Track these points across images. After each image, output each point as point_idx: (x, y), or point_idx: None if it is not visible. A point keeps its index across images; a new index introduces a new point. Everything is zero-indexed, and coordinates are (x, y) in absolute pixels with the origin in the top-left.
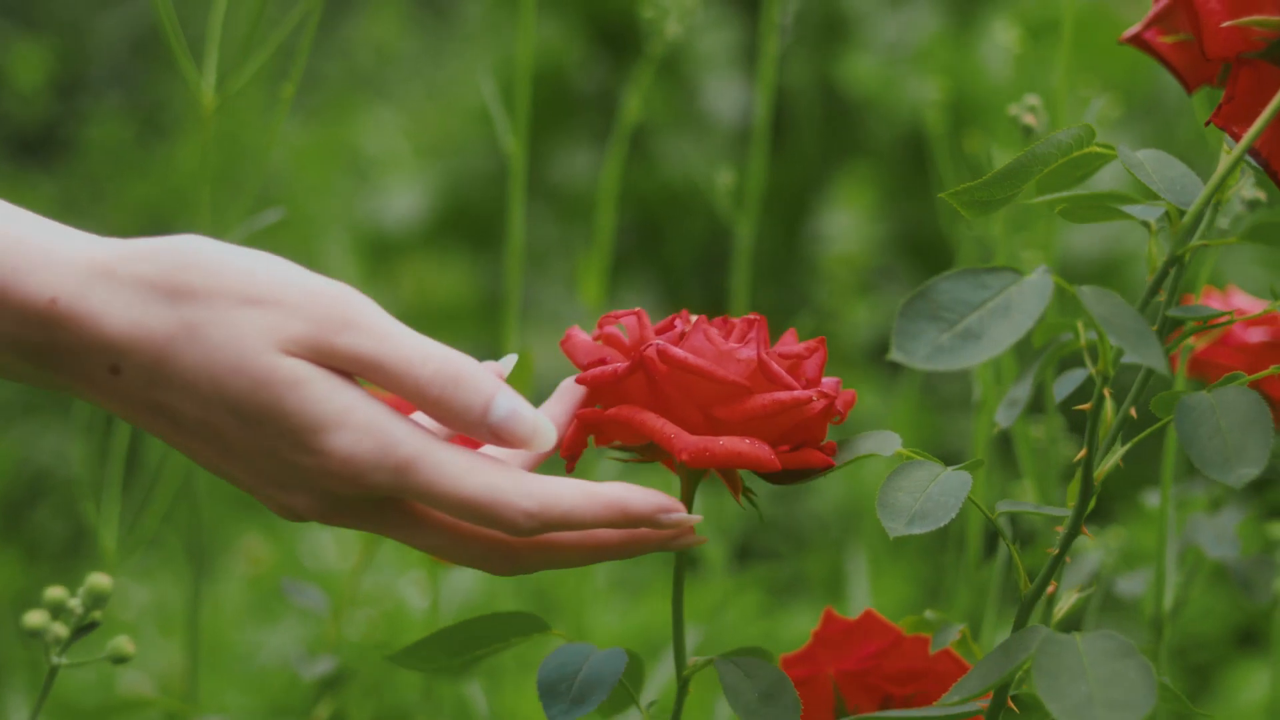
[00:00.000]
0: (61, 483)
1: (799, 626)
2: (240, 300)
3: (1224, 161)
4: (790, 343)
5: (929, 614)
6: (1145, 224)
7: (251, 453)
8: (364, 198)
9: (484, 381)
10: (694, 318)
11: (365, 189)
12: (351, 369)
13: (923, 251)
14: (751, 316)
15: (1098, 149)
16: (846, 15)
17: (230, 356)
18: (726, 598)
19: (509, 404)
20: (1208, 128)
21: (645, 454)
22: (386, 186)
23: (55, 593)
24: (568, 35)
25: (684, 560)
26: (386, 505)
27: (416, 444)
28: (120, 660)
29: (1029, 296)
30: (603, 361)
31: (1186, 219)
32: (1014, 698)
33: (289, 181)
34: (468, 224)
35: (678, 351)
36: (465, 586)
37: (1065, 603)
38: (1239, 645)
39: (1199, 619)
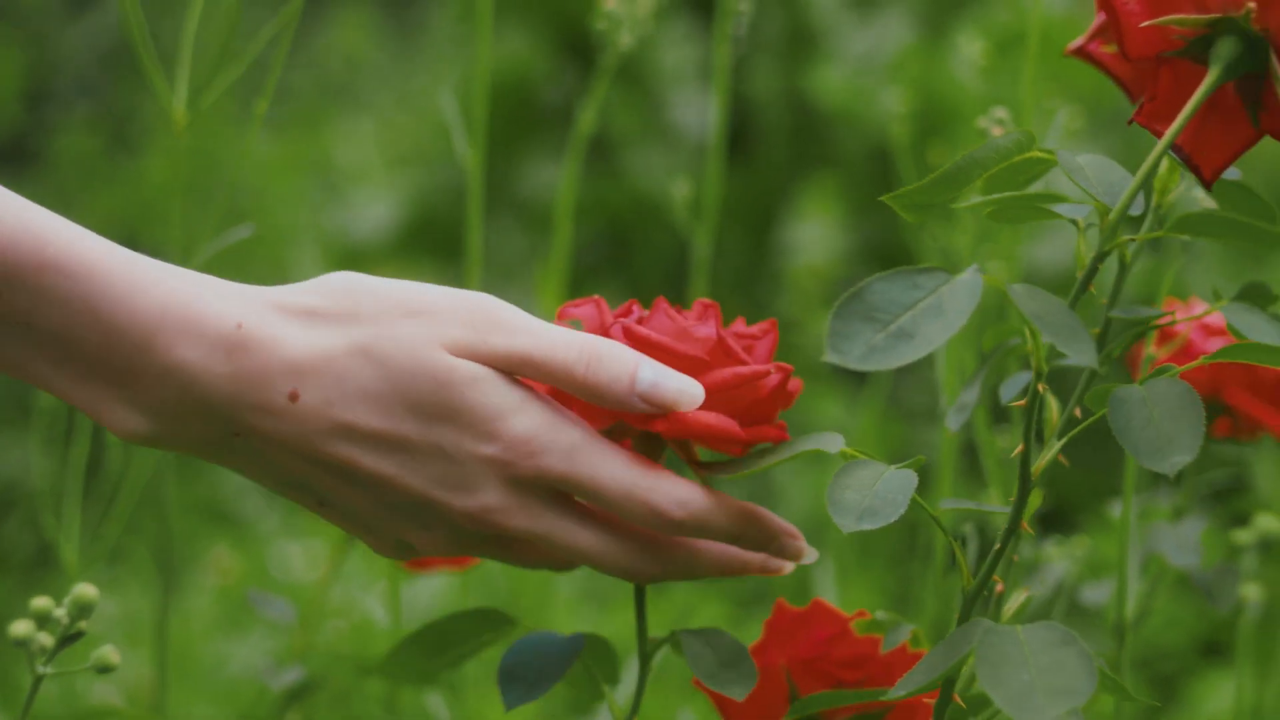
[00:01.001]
0: (28, 494)
1: None
2: (402, 313)
3: (1149, 158)
4: (741, 326)
5: (880, 614)
6: (1073, 222)
7: (432, 457)
8: (333, 209)
9: (626, 355)
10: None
11: (335, 200)
12: (505, 366)
13: (890, 263)
14: (706, 301)
15: (1039, 154)
16: (814, 27)
17: (407, 363)
18: (691, 608)
19: (652, 372)
20: (1130, 126)
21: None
22: (356, 198)
23: (41, 602)
24: (535, 47)
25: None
26: (555, 501)
27: (583, 430)
28: (105, 670)
29: (960, 295)
30: None
31: (1113, 214)
32: (963, 697)
33: (258, 193)
34: (436, 235)
35: (641, 329)
36: (427, 600)
37: (1013, 602)
38: (1204, 655)
39: (1164, 629)
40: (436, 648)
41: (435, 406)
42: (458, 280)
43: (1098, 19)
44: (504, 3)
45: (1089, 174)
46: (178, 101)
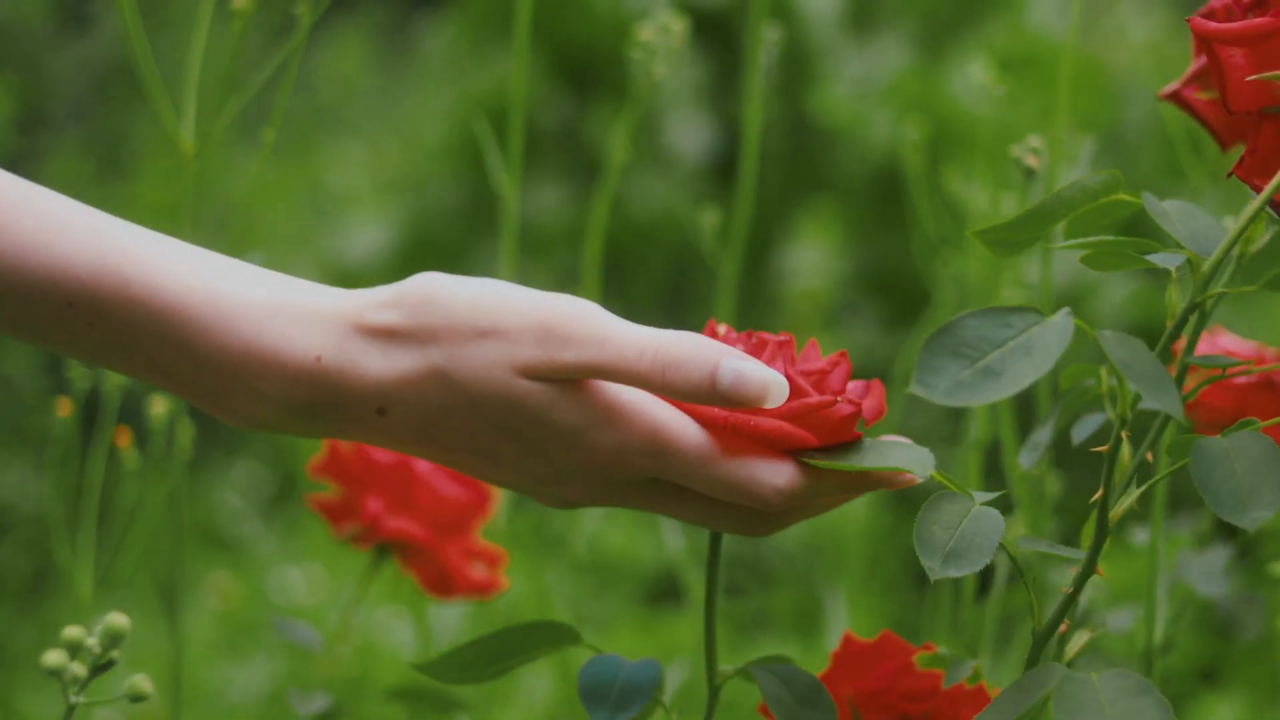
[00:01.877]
0: (26, 519)
1: None
2: (473, 333)
3: (1245, 212)
4: (814, 358)
5: (941, 649)
6: (1167, 271)
7: (522, 460)
8: (327, 233)
9: (703, 356)
10: (721, 329)
11: (328, 224)
12: (582, 377)
13: (888, 287)
14: (782, 337)
15: (1124, 197)
16: (810, 49)
17: (483, 388)
18: (698, 634)
19: (732, 369)
20: (1229, 179)
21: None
22: (350, 222)
23: (73, 632)
24: (531, 71)
25: (718, 564)
26: (650, 486)
27: (674, 429)
28: (138, 699)
29: (1050, 337)
30: None
31: (1207, 267)
32: None
33: (251, 217)
34: (432, 259)
35: None
36: (440, 628)
37: (1077, 642)
38: (1202, 681)
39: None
40: (497, 654)
41: (516, 424)
42: None
43: (1194, 64)
44: (499, 26)
45: (1174, 221)
46: (185, 130)
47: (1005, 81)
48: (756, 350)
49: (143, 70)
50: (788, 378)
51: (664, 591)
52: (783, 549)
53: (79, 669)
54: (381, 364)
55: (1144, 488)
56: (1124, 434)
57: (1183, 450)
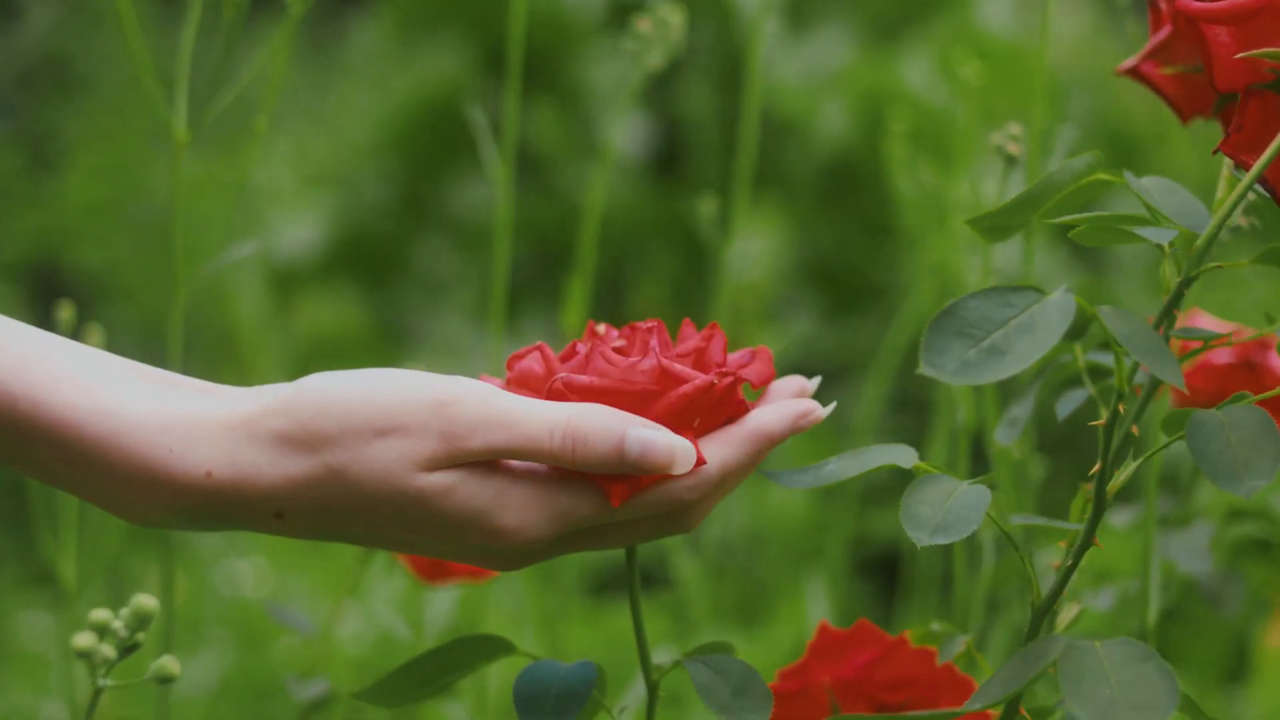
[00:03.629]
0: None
1: None
2: (372, 434)
3: (1237, 188)
4: (690, 336)
5: (935, 626)
6: (1160, 247)
7: (434, 546)
8: (257, 230)
9: (609, 429)
10: (601, 328)
11: (257, 221)
12: (490, 458)
13: (831, 280)
14: (650, 324)
15: (1105, 176)
16: (746, 44)
17: (380, 488)
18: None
19: (637, 442)
20: (1214, 155)
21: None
22: (279, 219)
23: (100, 614)
24: (463, 66)
25: (636, 574)
26: (566, 538)
27: (571, 491)
28: (166, 680)
29: (1052, 314)
30: None
31: (1200, 242)
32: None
33: (179, 213)
34: (362, 256)
35: (582, 379)
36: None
37: (1068, 614)
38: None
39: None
40: (434, 673)
41: (416, 518)
42: (387, 300)
43: (1152, 39)
44: (429, 23)
45: (1156, 196)
46: (178, 120)
47: (956, 77)
48: (630, 339)
49: (139, 63)
50: (663, 368)
51: (607, 583)
52: (726, 540)
53: (108, 651)
54: (275, 471)
55: (1140, 461)
56: (1121, 407)
57: (1178, 424)
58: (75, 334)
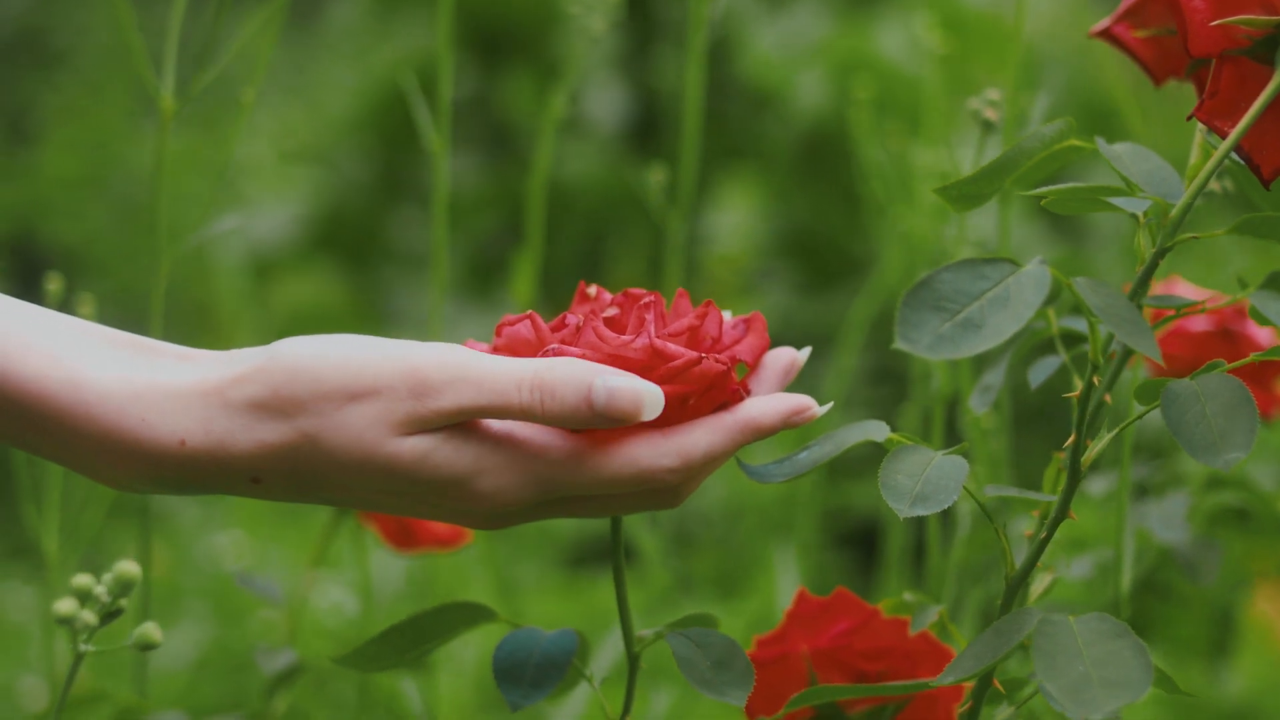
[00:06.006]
0: None
1: None
2: (345, 399)
3: (1214, 157)
4: (685, 311)
5: (908, 596)
6: (1134, 216)
7: (411, 508)
8: (237, 207)
9: (575, 379)
10: (592, 290)
11: (237, 197)
12: (462, 419)
13: (807, 252)
14: (647, 300)
15: (1076, 142)
16: (728, 17)
17: (355, 454)
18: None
19: (604, 390)
20: (1189, 121)
21: None
22: (259, 195)
23: (82, 580)
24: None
25: (620, 547)
26: (546, 503)
27: (551, 455)
28: (148, 647)
29: (1027, 286)
30: None
31: (1175, 212)
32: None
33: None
34: (343, 233)
35: (573, 350)
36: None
37: (1041, 584)
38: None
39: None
40: (413, 640)
41: (395, 483)
42: (368, 276)
43: (1125, 2)
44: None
45: (1128, 163)
46: (165, 90)
47: (935, 48)
48: (625, 306)
49: (128, 36)
50: (655, 348)
51: (584, 556)
52: (702, 512)
53: (89, 617)
54: (249, 438)
55: (1115, 432)
56: (1096, 378)
57: (1152, 394)
58: (66, 306)
